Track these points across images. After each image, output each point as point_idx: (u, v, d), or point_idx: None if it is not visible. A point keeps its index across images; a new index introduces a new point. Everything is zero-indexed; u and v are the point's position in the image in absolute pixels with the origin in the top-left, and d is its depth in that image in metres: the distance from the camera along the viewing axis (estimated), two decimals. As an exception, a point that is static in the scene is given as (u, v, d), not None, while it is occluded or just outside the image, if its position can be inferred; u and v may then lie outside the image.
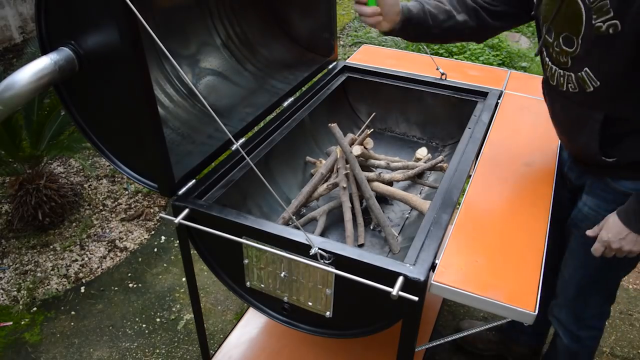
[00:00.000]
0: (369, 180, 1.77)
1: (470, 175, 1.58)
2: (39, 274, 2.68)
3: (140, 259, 2.78)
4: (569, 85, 1.38)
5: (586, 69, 1.30)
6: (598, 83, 1.29)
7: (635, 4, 1.13)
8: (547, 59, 1.44)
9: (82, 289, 2.60)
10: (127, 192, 3.25)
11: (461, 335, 1.45)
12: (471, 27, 1.56)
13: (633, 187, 1.38)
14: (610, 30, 1.20)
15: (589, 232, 1.45)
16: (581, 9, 1.26)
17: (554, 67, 1.41)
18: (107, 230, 2.96)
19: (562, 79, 1.40)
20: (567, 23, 1.32)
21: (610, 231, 1.37)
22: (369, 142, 1.93)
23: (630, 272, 1.60)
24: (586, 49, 1.29)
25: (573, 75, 1.35)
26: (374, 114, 2.11)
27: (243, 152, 1.27)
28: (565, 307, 1.67)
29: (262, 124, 1.90)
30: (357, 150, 1.82)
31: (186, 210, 1.43)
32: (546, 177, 1.57)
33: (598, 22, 1.22)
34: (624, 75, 1.24)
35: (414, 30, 1.52)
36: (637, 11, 1.13)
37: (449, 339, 1.42)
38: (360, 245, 1.67)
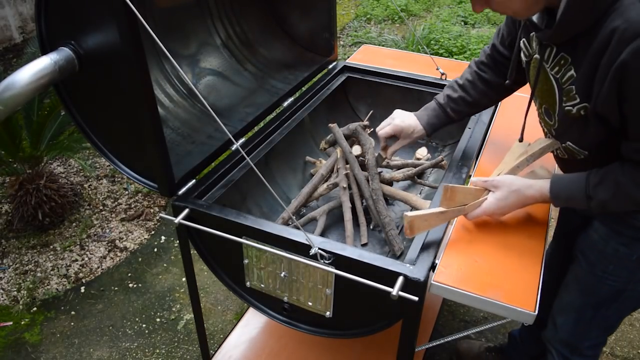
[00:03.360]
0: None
1: (470, 175, 1.58)
2: (39, 274, 2.68)
3: (140, 259, 2.78)
4: (558, 151, 1.38)
5: (569, 142, 1.29)
6: (586, 153, 1.28)
7: (596, 92, 1.11)
8: (540, 120, 1.42)
9: (82, 289, 2.60)
10: (127, 192, 3.25)
11: (462, 334, 1.45)
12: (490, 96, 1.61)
13: None
14: (582, 112, 1.18)
15: None
16: (554, 88, 1.25)
17: (546, 132, 1.40)
18: (107, 230, 2.96)
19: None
20: (545, 97, 1.30)
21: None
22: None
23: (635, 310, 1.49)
24: (563, 127, 1.28)
25: (560, 144, 1.34)
26: (371, 111, 2.10)
27: (243, 152, 1.27)
28: (560, 332, 1.57)
29: (262, 124, 1.90)
30: (357, 150, 1.82)
31: (186, 210, 1.43)
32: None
33: (568, 106, 1.21)
34: (610, 143, 1.20)
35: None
36: (603, 98, 1.10)
37: (449, 338, 1.42)
38: (364, 245, 1.67)
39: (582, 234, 1.46)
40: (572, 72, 1.17)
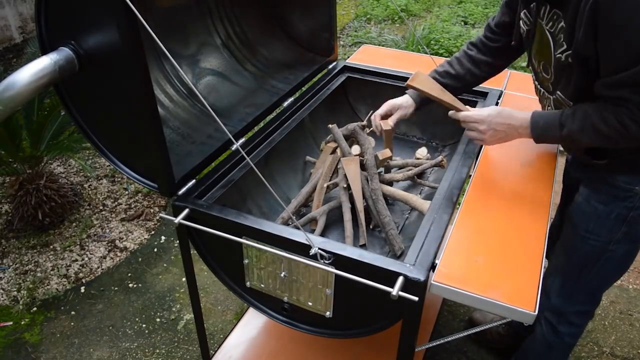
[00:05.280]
0: (369, 180, 1.77)
1: (470, 175, 1.58)
2: (39, 274, 2.68)
3: (140, 259, 2.78)
4: (549, 107, 1.51)
5: (558, 92, 1.42)
6: (571, 103, 1.39)
7: (577, 36, 1.24)
8: (536, 83, 1.56)
9: (82, 289, 2.60)
10: (127, 192, 3.25)
11: (462, 334, 1.45)
12: (477, 75, 1.74)
13: (628, 181, 1.41)
14: (570, 59, 1.30)
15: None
16: (550, 41, 1.38)
17: (542, 90, 1.53)
18: (107, 230, 2.96)
19: (546, 101, 1.52)
20: (543, 53, 1.44)
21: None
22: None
23: (619, 278, 1.60)
24: (557, 77, 1.41)
25: (552, 98, 1.47)
26: (371, 111, 2.10)
27: (243, 152, 1.27)
28: (548, 296, 1.66)
29: (262, 124, 1.90)
30: (356, 150, 1.82)
31: (186, 210, 1.43)
32: (546, 177, 1.57)
33: (558, 54, 1.34)
34: (589, 92, 1.31)
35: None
36: (581, 39, 1.23)
37: (449, 338, 1.42)
38: (362, 246, 1.67)
39: (571, 202, 1.59)
40: (562, 23, 1.30)
